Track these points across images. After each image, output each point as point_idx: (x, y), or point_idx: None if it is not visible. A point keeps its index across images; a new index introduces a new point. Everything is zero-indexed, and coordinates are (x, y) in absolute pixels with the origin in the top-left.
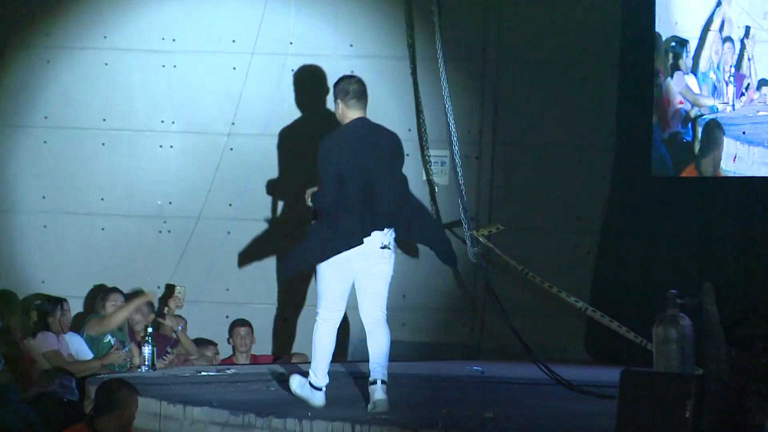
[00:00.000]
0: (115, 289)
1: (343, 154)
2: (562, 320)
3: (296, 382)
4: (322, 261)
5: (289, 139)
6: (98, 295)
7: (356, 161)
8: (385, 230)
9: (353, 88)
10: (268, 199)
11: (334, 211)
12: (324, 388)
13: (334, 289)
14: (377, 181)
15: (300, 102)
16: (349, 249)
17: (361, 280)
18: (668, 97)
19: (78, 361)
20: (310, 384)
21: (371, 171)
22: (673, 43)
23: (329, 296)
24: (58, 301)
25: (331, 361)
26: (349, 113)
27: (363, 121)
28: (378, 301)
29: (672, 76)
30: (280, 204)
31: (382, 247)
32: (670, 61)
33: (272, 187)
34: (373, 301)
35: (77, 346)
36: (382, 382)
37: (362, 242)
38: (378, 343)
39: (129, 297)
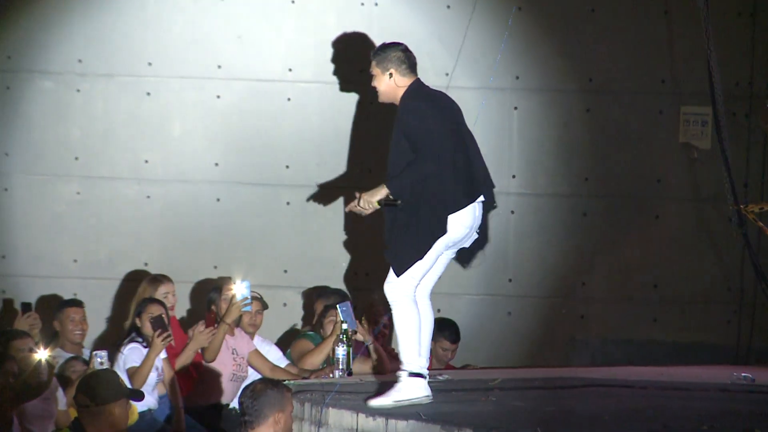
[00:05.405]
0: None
1: (442, 118)
2: None
3: (385, 397)
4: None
5: None
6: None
7: (452, 126)
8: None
9: (409, 57)
10: None
11: (441, 183)
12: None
13: (429, 264)
14: (471, 146)
15: None
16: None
17: (444, 256)
18: None
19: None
20: (410, 374)
21: (465, 136)
22: None
23: (421, 270)
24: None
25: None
26: (404, 81)
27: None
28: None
29: None
30: None
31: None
32: None
33: None
34: (434, 279)
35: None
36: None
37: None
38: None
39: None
